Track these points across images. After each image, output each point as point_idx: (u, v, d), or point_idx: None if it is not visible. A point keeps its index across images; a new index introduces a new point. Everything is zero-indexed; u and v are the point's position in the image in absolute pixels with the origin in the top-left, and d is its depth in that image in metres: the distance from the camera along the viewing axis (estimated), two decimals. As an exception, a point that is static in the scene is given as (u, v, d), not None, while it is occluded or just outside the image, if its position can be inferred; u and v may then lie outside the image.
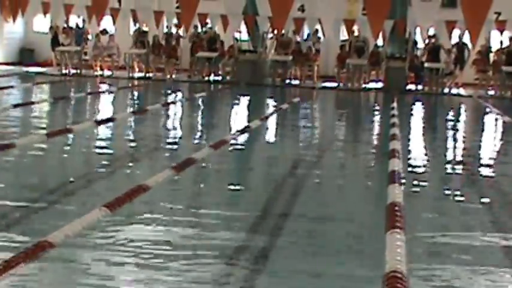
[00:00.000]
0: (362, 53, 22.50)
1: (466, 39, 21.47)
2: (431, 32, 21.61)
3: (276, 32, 22.82)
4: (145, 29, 24.34)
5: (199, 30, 23.92)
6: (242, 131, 10.19)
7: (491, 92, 21.81)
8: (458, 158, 10.54)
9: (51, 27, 24.81)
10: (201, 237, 5.42)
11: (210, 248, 5.11)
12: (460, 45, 21.95)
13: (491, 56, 22.39)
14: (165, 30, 24.25)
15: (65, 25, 24.40)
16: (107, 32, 25.17)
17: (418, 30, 22.58)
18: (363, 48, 22.53)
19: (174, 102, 16.96)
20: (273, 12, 20.10)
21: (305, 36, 24.92)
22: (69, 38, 24.27)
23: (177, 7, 22.96)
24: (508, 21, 21.72)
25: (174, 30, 24.29)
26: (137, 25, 24.20)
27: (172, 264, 4.71)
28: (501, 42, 22.07)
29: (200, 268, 4.68)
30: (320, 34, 23.78)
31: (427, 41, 21.66)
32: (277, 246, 5.30)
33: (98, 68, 24.39)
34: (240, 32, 24.37)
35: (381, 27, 20.49)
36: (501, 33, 22.12)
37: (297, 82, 23.00)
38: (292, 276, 4.67)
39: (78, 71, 23.83)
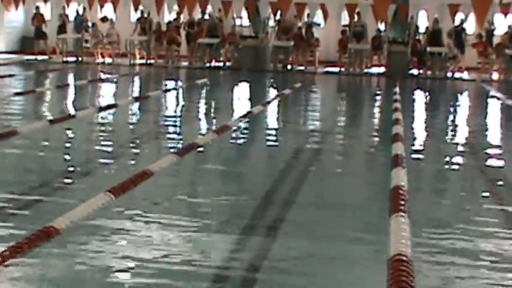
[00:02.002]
0: (361, 38, 22.43)
1: (466, 23, 21.46)
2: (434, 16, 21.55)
3: (279, 15, 22.84)
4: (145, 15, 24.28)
5: (200, 16, 23.86)
6: (244, 116, 10.18)
7: (495, 76, 21.75)
8: (462, 141, 10.51)
9: (60, 15, 24.70)
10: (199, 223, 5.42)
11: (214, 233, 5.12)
12: (459, 30, 21.85)
13: (495, 40, 22.28)
14: (174, 16, 24.22)
15: (41, 12, 24.51)
16: (107, 19, 25.10)
17: (420, 14, 22.50)
18: (361, 33, 22.46)
19: (175, 89, 16.93)
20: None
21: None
22: (43, 25, 24.35)
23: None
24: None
25: (174, 16, 24.26)
26: (138, 12, 24.14)
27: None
28: (509, 27, 21.89)
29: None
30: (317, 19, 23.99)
31: (428, 24, 21.57)
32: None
33: (99, 56, 24.37)
34: (241, 17, 24.29)
35: (385, 12, 20.40)
36: (505, 16, 21.94)
37: (298, 68, 22.95)
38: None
39: (80, 59, 23.87)
